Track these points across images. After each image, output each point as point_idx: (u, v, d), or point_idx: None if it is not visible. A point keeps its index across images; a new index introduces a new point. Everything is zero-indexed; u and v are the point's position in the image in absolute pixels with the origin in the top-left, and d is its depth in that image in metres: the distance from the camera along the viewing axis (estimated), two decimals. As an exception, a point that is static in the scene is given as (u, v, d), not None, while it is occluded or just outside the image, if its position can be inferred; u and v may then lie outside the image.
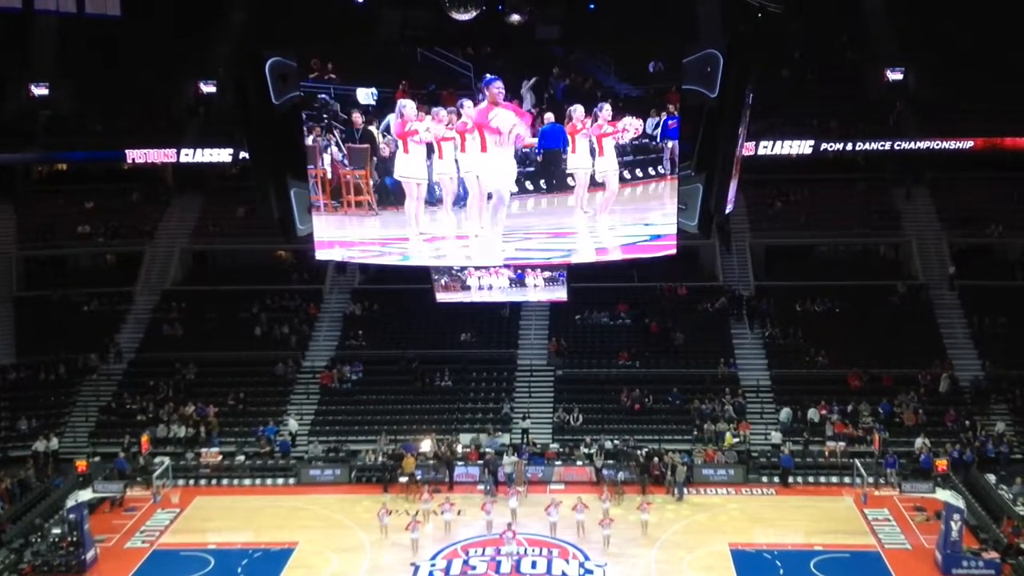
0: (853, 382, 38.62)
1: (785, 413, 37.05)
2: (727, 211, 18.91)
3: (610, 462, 34.36)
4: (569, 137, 17.03)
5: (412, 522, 28.77)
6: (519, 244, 18.15)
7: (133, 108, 46.72)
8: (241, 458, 35.86)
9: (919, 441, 34.74)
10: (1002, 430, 35.88)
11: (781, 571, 27.44)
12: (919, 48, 46.32)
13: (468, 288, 22.74)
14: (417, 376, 39.92)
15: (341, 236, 18.49)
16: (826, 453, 35.13)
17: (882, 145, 44.30)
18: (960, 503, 27.61)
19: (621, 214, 17.84)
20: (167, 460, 33.38)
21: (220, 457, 35.71)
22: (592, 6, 34.84)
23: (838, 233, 45.66)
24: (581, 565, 27.71)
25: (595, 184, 17.57)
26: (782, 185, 46.80)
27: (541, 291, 23.35)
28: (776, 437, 36.12)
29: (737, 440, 35.80)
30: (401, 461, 34.09)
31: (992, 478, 32.74)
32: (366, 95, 17.04)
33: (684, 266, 42.60)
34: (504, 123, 16.78)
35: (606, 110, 16.88)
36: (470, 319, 41.07)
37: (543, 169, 17.41)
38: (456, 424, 37.48)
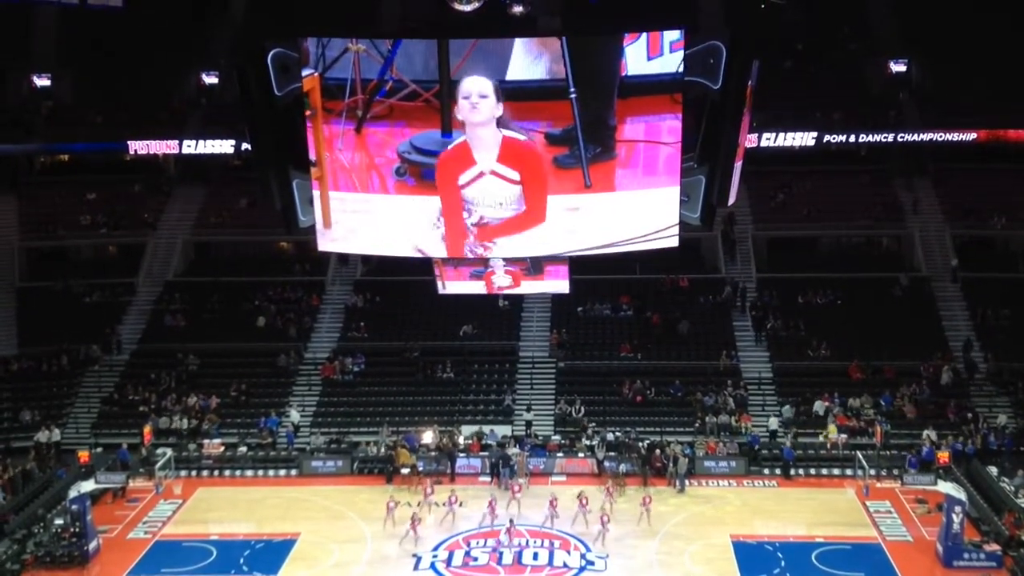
0: (855, 374, 38.64)
1: (787, 410, 37.07)
2: (730, 203, 18.83)
3: (612, 454, 34.36)
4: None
5: (413, 514, 28.77)
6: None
7: (135, 99, 46.72)
8: (243, 449, 35.91)
9: (926, 433, 34.73)
10: (1004, 422, 35.87)
11: (783, 563, 27.45)
12: (922, 39, 46.19)
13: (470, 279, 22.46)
14: (419, 368, 39.94)
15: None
16: (828, 445, 35.15)
17: (885, 137, 44.27)
18: (962, 495, 27.61)
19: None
20: (169, 451, 33.48)
21: (222, 448, 35.75)
22: (594, -1, 34.69)
23: (841, 225, 45.65)
24: (583, 556, 27.74)
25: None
26: (785, 177, 46.73)
27: (541, 283, 23.11)
28: (773, 423, 36.28)
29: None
30: (395, 452, 34.14)
31: (994, 470, 32.69)
32: None
33: (686, 258, 42.60)
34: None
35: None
36: (472, 311, 41.07)
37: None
38: (458, 416, 37.50)
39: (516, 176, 16.57)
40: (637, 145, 16.66)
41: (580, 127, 16.14)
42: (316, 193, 17.48)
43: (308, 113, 16.73)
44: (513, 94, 15.94)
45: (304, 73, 16.42)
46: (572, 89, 15.81)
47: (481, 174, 16.57)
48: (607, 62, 16.02)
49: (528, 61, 15.77)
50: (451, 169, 16.62)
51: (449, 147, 16.42)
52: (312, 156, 17.16)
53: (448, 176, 16.71)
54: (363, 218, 17.49)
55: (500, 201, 16.86)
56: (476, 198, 16.86)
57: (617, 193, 16.92)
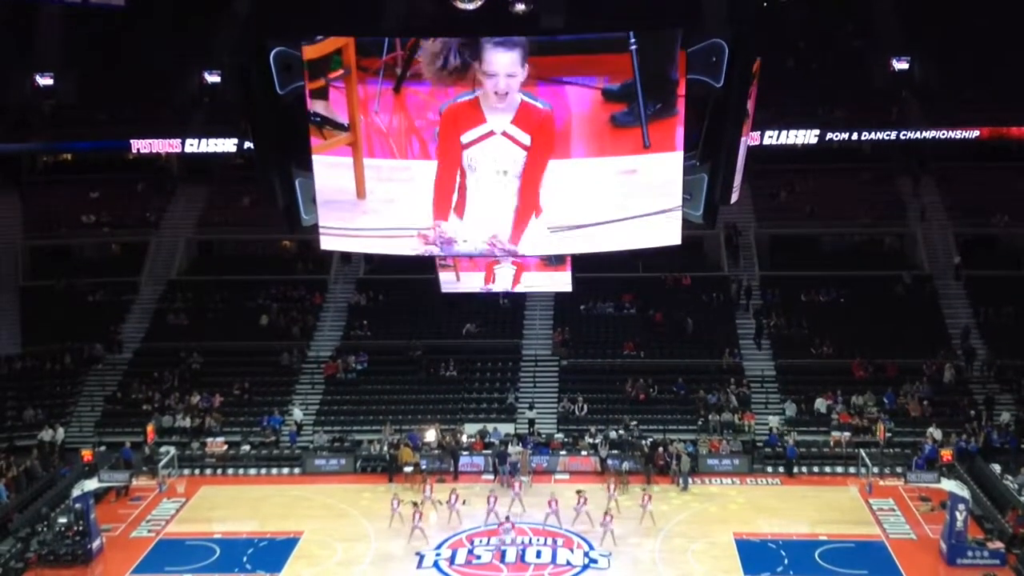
0: (858, 372, 38.62)
1: (790, 407, 37.06)
2: (732, 200, 18.80)
3: (615, 452, 34.37)
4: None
5: (416, 512, 28.78)
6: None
7: (138, 98, 46.70)
8: (246, 448, 35.94)
9: (929, 431, 34.70)
10: (1007, 420, 35.84)
11: (786, 561, 27.43)
12: (925, 37, 46.14)
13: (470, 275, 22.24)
14: (422, 366, 39.96)
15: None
16: (831, 443, 35.15)
17: (888, 135, 44.22)
18: (965, 493, 27.60)
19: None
20: (173, 450, 33.51)
21: (225, 447, 35.79)
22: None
23: (843, 223, 45.61)
24: (586, 554, 27.73)
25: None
26: (787, 175, 46.70)
27: (544, 278, 22.99)
28: (774, 421, 36.29)
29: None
30: (399, 451, 34.16)
31: (997, 468, 32.69)
32: None
33: (688, 256, 42.59)
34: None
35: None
36: (475, 309, 41.12)
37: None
38: (461, 414, 37.52)
39: (527, 140, 15.32)
40: None
41: (640, 82, 14.89)
42: (349, 160, 16.08)
43: (341, 72, 15.32)
44: (570, 47, 14.79)
45: None
46: (633, 40, 14.72)
47: (490, 133, 15.34)
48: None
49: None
50: (456, 124, 15.33)
51: (458, 101, 15.09)
52: (345, 120, 15.79)
53: (451, 132, 15.42)
54: (401, 187, 16.05)
55: (504, 168, 15.63)
56: (476, 161, 15.61)
57: (677, 153, 15.69)
